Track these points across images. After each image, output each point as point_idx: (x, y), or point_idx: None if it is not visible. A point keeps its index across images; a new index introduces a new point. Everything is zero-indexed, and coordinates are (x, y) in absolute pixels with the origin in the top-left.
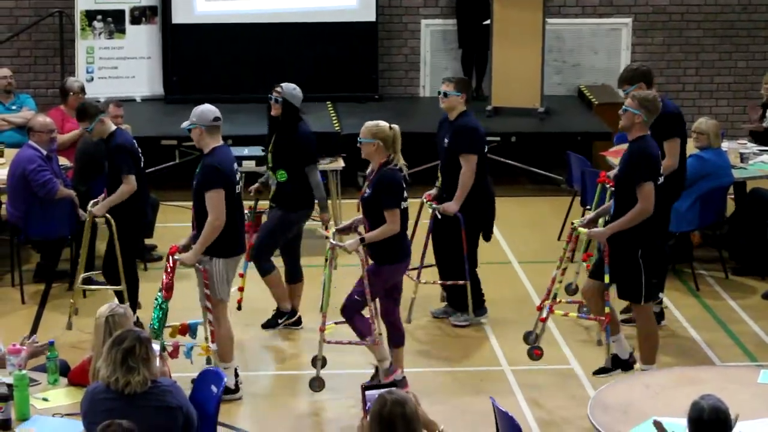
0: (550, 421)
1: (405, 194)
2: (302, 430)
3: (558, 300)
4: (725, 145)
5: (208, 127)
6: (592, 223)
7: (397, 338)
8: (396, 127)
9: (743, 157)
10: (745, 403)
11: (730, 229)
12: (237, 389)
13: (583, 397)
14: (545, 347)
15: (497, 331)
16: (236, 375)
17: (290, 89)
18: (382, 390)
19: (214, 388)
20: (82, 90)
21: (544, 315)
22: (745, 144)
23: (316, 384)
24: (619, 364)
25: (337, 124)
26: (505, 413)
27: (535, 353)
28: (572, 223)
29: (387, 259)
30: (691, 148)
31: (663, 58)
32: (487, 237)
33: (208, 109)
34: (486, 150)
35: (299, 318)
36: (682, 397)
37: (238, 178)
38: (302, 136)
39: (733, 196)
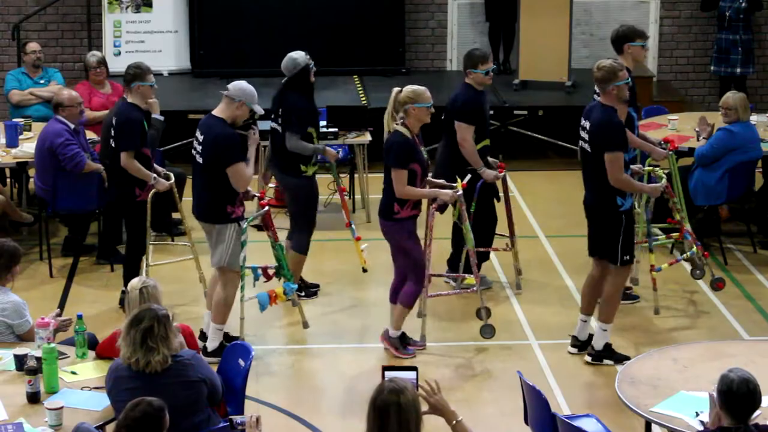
0: (578, 395)
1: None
2: (331, 405)
3: None
4: (754, 118)
5: None
6: None
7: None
8: (395, 89)
9: None
10: None
11: (758, 202)
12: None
13: (611, 372)
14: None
15: (524, 305)
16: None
17: None
18: (399, 373)
19: (241, 362)
20: (101, 63)
21: None
22: None
23: (488, 330)
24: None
25: (364, 98)
26: (533, 387)
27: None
28: None
29: None
30: (721, 122)
31: (690, 31)
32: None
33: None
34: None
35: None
36: (711, 371)
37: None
38: None
39: (761, 170)
